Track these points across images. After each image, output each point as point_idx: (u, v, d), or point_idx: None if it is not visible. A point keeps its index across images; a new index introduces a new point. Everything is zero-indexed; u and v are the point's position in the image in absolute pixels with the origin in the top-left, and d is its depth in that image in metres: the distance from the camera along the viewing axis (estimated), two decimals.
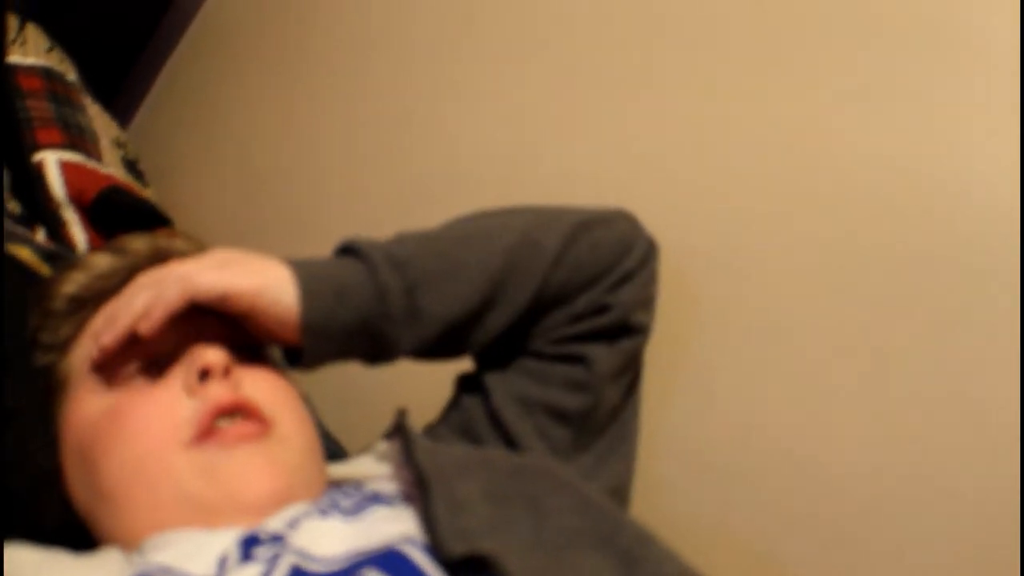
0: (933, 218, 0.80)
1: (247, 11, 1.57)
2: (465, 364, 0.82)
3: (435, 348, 0.77)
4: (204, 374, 0.67)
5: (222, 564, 0.56)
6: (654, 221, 0.84)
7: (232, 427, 0.65)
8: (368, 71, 1.31)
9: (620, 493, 0.81)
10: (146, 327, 0.67)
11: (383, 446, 0.72)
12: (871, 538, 0.80)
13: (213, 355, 0.67)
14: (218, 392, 0.66)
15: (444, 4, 1.24)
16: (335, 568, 0.55)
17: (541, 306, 0.78)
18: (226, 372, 0.67)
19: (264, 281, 0.70)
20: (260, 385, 0.70)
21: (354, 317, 0.72)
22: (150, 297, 0.68)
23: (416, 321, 0.74)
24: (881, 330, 0.81)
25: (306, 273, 0.71)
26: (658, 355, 0.85)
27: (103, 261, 0.77)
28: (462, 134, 1.16)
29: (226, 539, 0.59)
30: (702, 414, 0.91)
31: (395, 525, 0.58)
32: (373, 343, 0.74)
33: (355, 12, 1.37)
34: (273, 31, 1.50)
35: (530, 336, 0.80)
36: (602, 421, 0.81)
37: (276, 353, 0.77)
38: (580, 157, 1.05)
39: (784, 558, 0.84)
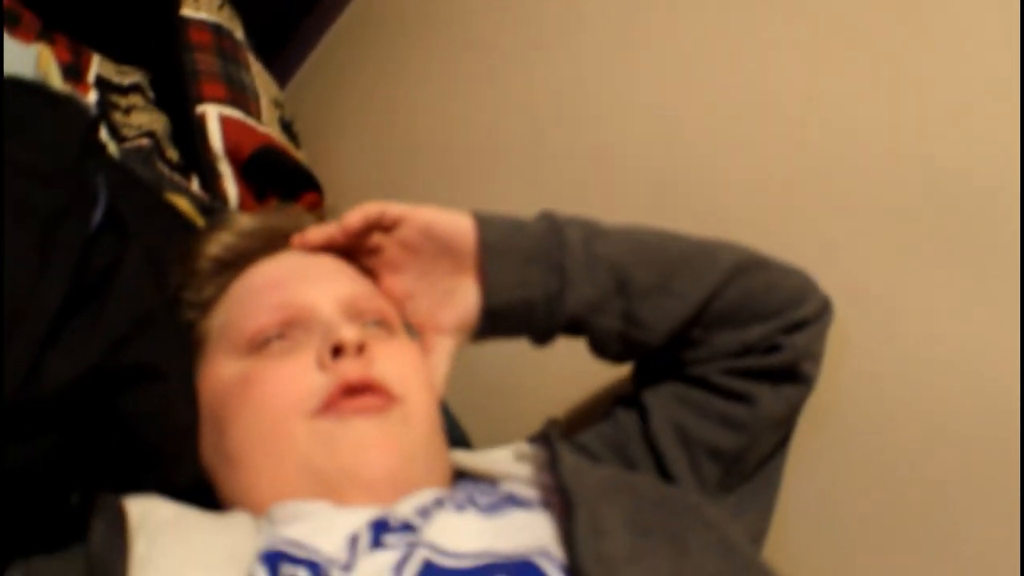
0: None
1: None
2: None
3: (608, 315, 0.76)
4: (337, 351, 0.67)
5: (352, 545, 0.56)
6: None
7: (355, 400, 0.65)
8: (533, 42, 1.29)
9: (756, 541, 0.79)
10: (345, 223, 0.76)
11: (526, 448, 0.71)
12: None
13: (348, 332, 0.68)
14: (349, 368, 0.66)
15: None
16: (467, 565, 0.54)
17: (712, 319, 0.77)
18: (359, 350, 0.68)
19: (441, 210, 0.77)
20: (392, 363, 0.70)
21: (532, 244, 0.75)
22: None
23: (594, 265, 0.75)
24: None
25: (482, 212, 0.77)
26: None
27: (247, 222, 0.79)
28: (626, 108, 1.13)
29: (355, 519, 0.59)
30: (841, 463, 0.87)
31: (532, 534, 0.57)
32: (552, 278, 0.75)
33: None
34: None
35: (700, 359, 0.78)
36: (751, 466, 0.79)
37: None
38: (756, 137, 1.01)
39: None
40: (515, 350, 0.84)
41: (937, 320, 0.82)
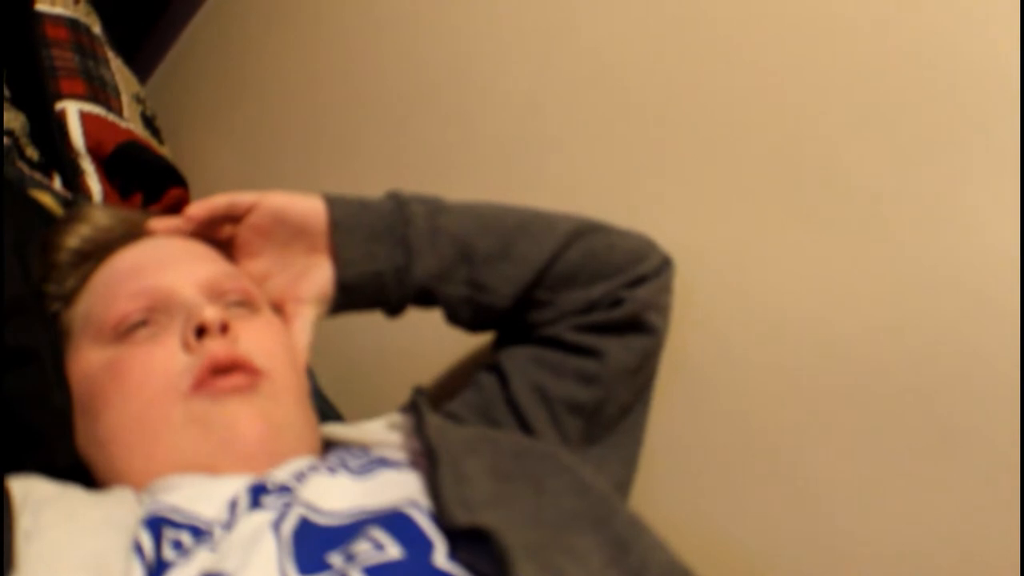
0: None
1: None
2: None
3: (454, 282, 0.81)
4: (201, 331, 0.69)
5: (232, 508, 0.59)
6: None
7: (224, 379, 0.67)
8: (389, 32, 1.32)
9: (621, 490, 0.85)
10: (189, 214, 0.79)
11: (396, 418, 0.75)
12: (857, 553, 0.82)
13: (210, 312, 0.70)
14: (214, 348, 0.68)
15: None
16: (341, 523, 0.58)
17: (556, 280, 0.82)
18: (223, 328, 0.70)
19: (291, 194, 0.80)
20: (257, 340, 0.72)
21: (378, 220, 0.80)
22: None
23: (437, 237, 0.80)
24: (873, 349, 0.83)
25: (331, 194, 0.81)
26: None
27: (102, 215, 0.81)
28: (487, 105, 1.17)
29: (234, 485, 0.61)
30: (694, 421, 0.93)
31: (401, 489, 0.61)
32: (398, 252, 0.79)
33: None
34: None
35: (549, 319, 0.83)
36: (612, 417, 0.85)
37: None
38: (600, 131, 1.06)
39: (768, 569, 0.86)
40: (383, 327, 0.88)
41: (777, 271, 0.88)
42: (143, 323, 0.71)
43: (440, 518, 0.56)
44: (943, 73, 0.80)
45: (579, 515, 0.59)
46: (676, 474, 0.92)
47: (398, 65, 1.29)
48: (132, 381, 0.68)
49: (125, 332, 0.71)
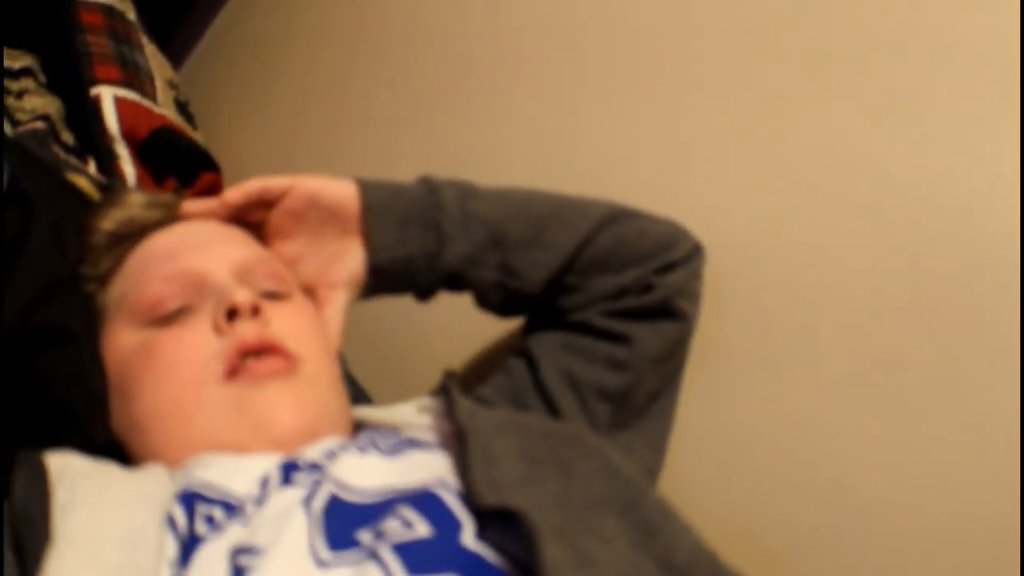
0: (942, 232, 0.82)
1: None
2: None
3: (485, 267, 0.82)
4: (232, 313, 0.70)
5: (263, 484, 0.60)
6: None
7: (260, 363, 0.68)
8: (424, 19, 1.33)
9: (649, 476, 0.85)
10: (224, 199, 0.79)
11: (426, 401, 0.76)
12: (883, 540, 0.82)
13: (242, 295, 0.70)
14: (245, 331, 0.69)
15: None
16: (370, 500, 0.58)
17: (586, 265, 0.83)
18: (255, 311, 0.70)
19: (325, 178, 0.80)
20: (288, 323, 0.73)
21: (410, 205, 0.80)
22: None
23: (468, 222, 0.80)
24: (901, 338, 0.83)
25: (364, 178, 0.80)
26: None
27: (137, 199, 0.82)
28: (520, 89, 1.18)
29: (265, 462, 0.62)
30: (724, 408, 0.93)
31: (431, 469, 0.61)
32: (429, 236, 0.80)
33: None
34: None
35: (579, 305, 0.84)
36: (641, 403, 0.85)
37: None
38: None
39: (796, 555, 0.86)
40: (413, 311, 0.88)
41: (809, 258, 0.88)
42: (177, 307, 0.72)
43: (469, 498, 0.56)
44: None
45: (607, 498, 0.59)
46: (704, 460, 0.92)
47: (430, 49, 1.29)
48: (164, 365, 0.69)
49: (159, 316, 0.71)
